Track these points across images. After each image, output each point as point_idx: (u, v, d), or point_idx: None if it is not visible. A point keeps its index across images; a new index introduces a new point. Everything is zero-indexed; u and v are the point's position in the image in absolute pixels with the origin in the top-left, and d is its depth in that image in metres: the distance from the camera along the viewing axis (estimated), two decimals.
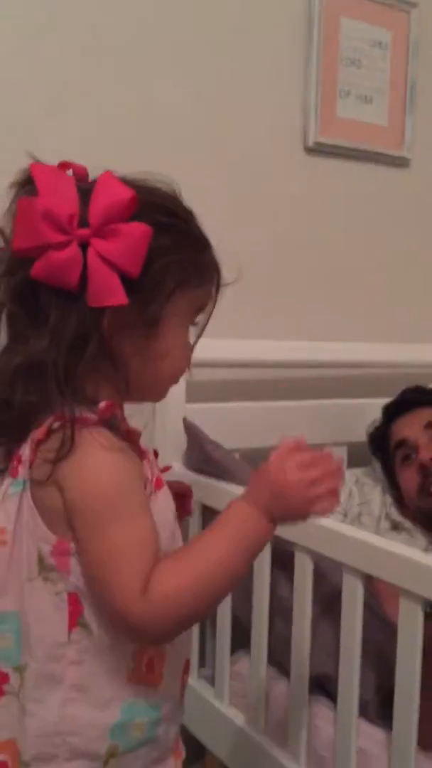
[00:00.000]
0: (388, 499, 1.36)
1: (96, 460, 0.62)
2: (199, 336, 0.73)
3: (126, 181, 0.66)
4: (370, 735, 0.94)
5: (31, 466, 0.63)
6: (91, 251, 0.61)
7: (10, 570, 0.65)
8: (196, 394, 1.29)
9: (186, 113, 1.35)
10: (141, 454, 0.66)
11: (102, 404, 0.63)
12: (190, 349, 0.72)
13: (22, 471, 0.64)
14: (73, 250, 0.61)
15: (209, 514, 1.16)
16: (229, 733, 1.09)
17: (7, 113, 1.19)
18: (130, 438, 0.65)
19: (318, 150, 1.49)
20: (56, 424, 0.61)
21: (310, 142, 1.48)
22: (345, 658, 0.89)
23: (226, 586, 0.64)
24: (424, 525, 1.29)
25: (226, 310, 1.43)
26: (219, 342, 1.29)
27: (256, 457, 1.30)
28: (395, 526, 1.33)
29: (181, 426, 1.23)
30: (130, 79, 1.29)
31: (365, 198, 1.56)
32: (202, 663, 1.22)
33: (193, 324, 0.72)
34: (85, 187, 0.64)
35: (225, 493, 1.10)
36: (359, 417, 1.43)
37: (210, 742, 1.15)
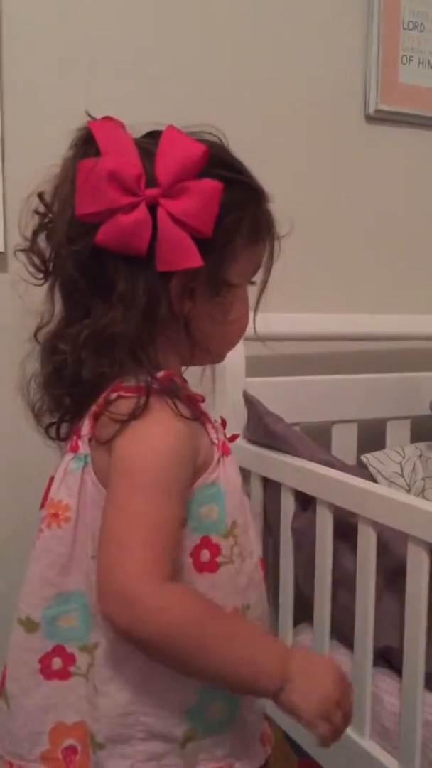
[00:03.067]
0: None
1: (159, 429, 0.60)
2: (261, 294, 0.71)
3: (206, 141, 0.64)
4: None
5: (90, 440, 0.63)
6: (161, 212, 0.59)
7: (75, 548, 0.64)
8: (255, 368, 1.28)
9: (244, 78, 1.33)
10: (204, 418, 0.66)
11: (161, 374, 0.62)
12: (248, 312, 0.70)
13: (83, 446, 0.64)
14: (143, 211, 0.59)
15: (270, 486, 1.16)
16: None
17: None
18: (192, 404, 0.64)
19: (379, 118, 1.45)
20: (129, 392, 0.61)
21: (371, 110, 1.44)
22: (410, 629, 0.88)
23: (199, 665, 0.59)
24: None
25: (286, 283, 1.42)
26: (279, 316, 1.29)
27: (317, 431, 1.30)
28: None
29: (241, 399, 1.22)
30: (185, 42, 1.28)
31: (429, 166, 1.52)
32: None
33: (251, 283, 0.70)
34: (145, 144, 0.62)
35: (285, 465, 1.10)
36: (422, 390, 1.40)
37: (272, 713, 1.16)
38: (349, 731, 0.97)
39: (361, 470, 1.30)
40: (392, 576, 0.97)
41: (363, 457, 1.36)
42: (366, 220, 1.47)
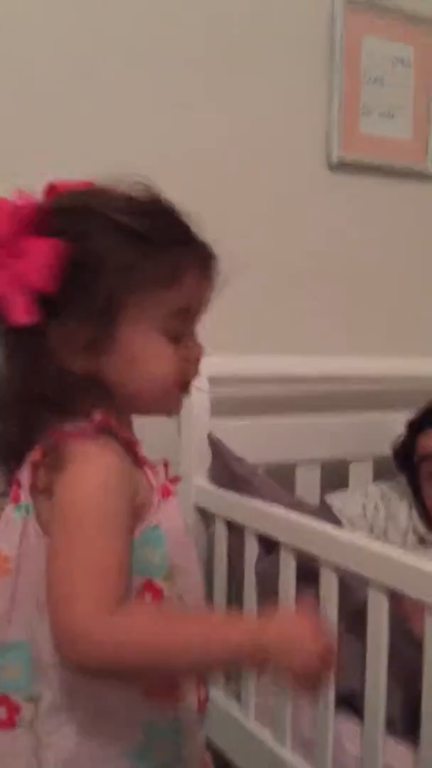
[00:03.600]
0: (415, 514, 1.35)
1: (93, 468, 0.61)
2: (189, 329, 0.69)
3: (79, 190, 0.66)
4: (397, 752, 0.94)
5: (31, 488, 0.64)
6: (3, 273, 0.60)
7: (16, 599, 0.64)
8: (221, 408, 1.30)
9: (209, 132, 1.37)
10: (139, 462, 0.66)
11: (97, 416, 0.63)
12: (174, 353, 0.66)
13: (24, 495, 0.64)
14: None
15: (234, 529, 1.16)
16: (255, 747, 1.09)
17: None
18: (127, 447, 0.65)
19: (341, 166, 1.50)
20: (50, 441, 0.62)
21: (334, 159, 1.49)
22: (371, 674, 0.89)
23: (173, 670, 0.62)
24: None
25: (250, 325, 1.45)
26: (243, 357, 1.32)
27: (280, 471, 1.32)
28: (422, 540, 1.33)
29: (206, 441, 1.24)
30: (153, 97, 1.32)
31: (388, 213, 1.57)
32: (227, 677, 1.22)
33: (179, 328, 0.67)
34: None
35: (249, 509, 1.11)
36: (384, 431, 1.42)
37: (236, 757, 1.15)
38: None
39: (326, 512, 1.31)
40: (355, 619, 0.98)
41: (326, 498, 1.38)
42: (327, 264, 1.50)
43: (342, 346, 1.48)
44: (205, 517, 1.24)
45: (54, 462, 0.61)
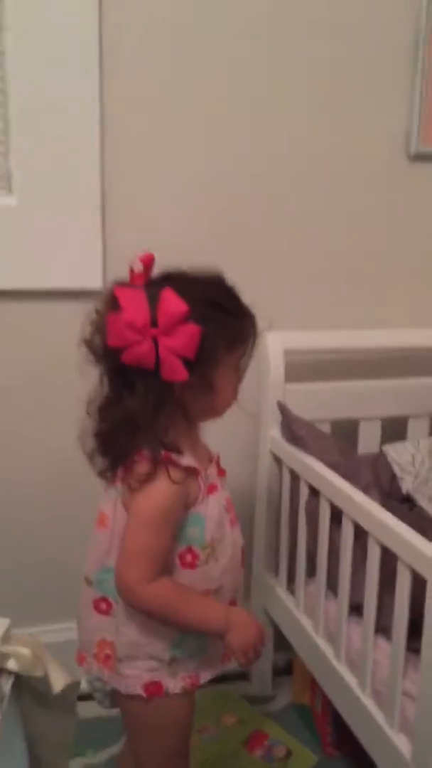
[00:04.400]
0: None
1: (158, 490, 0.98)
2: (245, 369, 1.07)
3: (181, 277, 0.97)
4: (386, 650, 1.29)
5: (122, 481, 1.03)
6: (161, 345, 0.93)
7: (112, 542, 1.05)
8: (297, 374, 1.63)
9: (298, 124, 1.61)
10: (194, 474, 1.02)
11: (163, 453, 0.98)
12: (237, 388, 1.06)
13: (119, 483, 1.04)
14: (148, 344, 0.93)
15: (295, 476, 1.52)
16: (299, 631, 1.50)
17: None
18: (184, 470, 1.00)
19: (420, 157, 1.68)
20: (145, 460, 0.98)
21: (412, 151, 1.67)
22: (368, 593, 1.24)
23: (175, 622, 1.05)
24: None
25: (333, 305, 1.73)
26: (316, 332, 1.63)
27: (345, 427, 1.64)
28: None
29: (278, 403, 1.58)
30: (246, 101, 1.57)
31: None
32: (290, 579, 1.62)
33: (239, 370, 1.05)
34: (153, 294, 0.93)
35: (300, 462, 1.45)
36: None
37: (288, 633, 1.57)
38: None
39: (382, 459, 1.62)
40: (362, 550, 1.32)
41: (383, 447, 1.68)
42: (401, 248, 1.72)
43: (404, 320, 1.73)
44: (278, 461, 1.60)
45: (135, 480, 0.99)
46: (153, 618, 1.04)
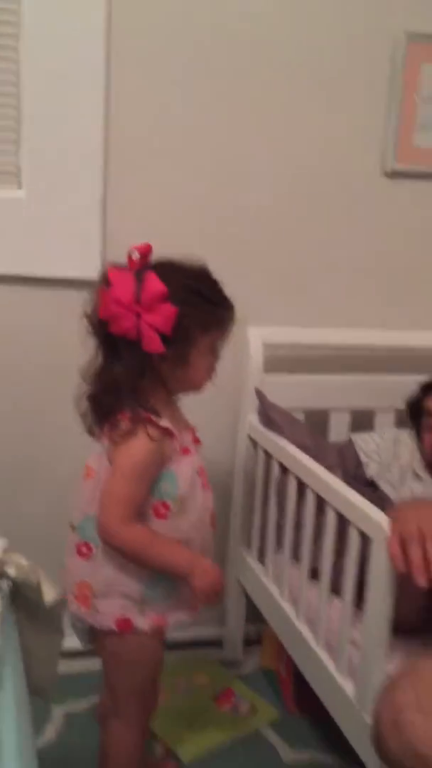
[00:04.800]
0: (417, 455, 1.78)
1: (138, 445, 1.15)
2: (218, 351, 1.23)
3: (167, 264, 1.13)
4: (337, 607, 1.44)
5: (108, 438, 1.18)
6: (142, 320, 1.10)
7: (95, 492, 1.20)
8: (275, 367, 1.79)
9: (284, 146, 1.78)
10: (170, 436, 1.18)
11: (144, 413, 1.15)
12: (212, 367, 1.22)
13: (105, 440, 1.20)
14: (132, 319, 1.10)
15: (268, 457, 1.68)
16: (267, 597, 1.66)
17: None
18: (161, 430, 1.16)
19: (395, 174, 1.85)
20: (127, 419, 1.15)
21: (389, 169, 1.84)
22: (325, 556, 1.40)
23: (145, 562, 1.19)
24: None
25: (311, 305, 1.88)
26: (299, 329, 1.79)
27: (317, 416, 1.80)
28: (417, 476, 1.76)
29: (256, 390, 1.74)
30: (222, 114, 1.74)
31: None
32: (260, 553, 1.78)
33: (215, 351, 1.21)
34: (140, 276, 1.10)
35: (274, 443, 1.62)
36: (406, 389, 1.84)
37: (256, 599, 1.72)
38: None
39: (350, 447, 1.78)
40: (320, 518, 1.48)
41: (352, 436, 1.84)
42: (378, 260, 1.89)
43: (376, 321, 1.89)
44: (254, 443, 1.76)
45: (118, 435, 1.15)
46: (126, 558, 1.18)
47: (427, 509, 1.12)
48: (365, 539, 1.25)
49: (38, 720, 1.55)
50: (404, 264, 1.93)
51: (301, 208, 1.83)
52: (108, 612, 1.22)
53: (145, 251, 1.15)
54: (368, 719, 1.16)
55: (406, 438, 1.83)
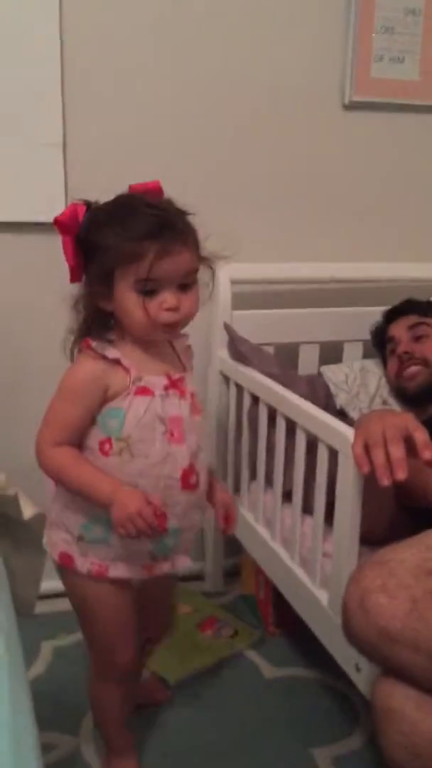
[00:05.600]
0: (384, 382, 1.83)
1: (76, 368, 1.11)
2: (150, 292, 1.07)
3: (117, 198, 1.10)
4: (309, 522, 1.50)
5: None
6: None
7: None
8: (244, 302, 1.81)
9: (241, 78, 1.78)
10: (124, 371, 1.11)
11: (94, 342, 1.11)
12: (142, 306, 1.06)
13: None
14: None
15: (240, 389, 1.71)
16: (247, 526, 1.71)
17: None
18: (111, 361, 1.10)
19: (354, 106, 1.87)
20: (82, 345, 1.12)
21: (347, 101, 1.86)
22: (296, 478, 1.44)
23: (69, 486, 1.13)
24: (401, 402, 1.76)
25: (267, 238, 1.91)
26: (260, 264, 1.81)
27: (287, 350, 1.83)
28: (385, 402, 1.82)
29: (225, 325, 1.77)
30: (197, 49, 1.75)
31: (396, 143, 1.93)
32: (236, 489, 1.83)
33: (139, 288, 1.06)
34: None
35: (244, 375, 1.65)
36: (373, 320, 1.88)
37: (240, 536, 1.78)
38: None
39: (319, 378, 1.83)
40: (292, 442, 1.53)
41: (321, 369, 1.88)
42: (339, 190, 1.91)
43: (341, 255, 1.92)
44: (225, 379, 1.80)
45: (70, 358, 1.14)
46: (53, 480, 1.14)
47: (389, 416, 1.16)
48: (334, 454, 1.29)
49: (28, 654, 1.59)
50: (366, 196, 1.95)
51: (261, 143, 1.84)
52: (54, 543, 1.19)
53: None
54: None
55: (374, 367, 1.88)
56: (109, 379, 1.11)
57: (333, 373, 1.86)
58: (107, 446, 1.12)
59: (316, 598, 1.38)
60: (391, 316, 1.80)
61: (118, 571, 1.18)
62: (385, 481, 1.09)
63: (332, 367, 1.88)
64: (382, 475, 1.09)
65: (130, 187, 1.14)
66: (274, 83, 1.81)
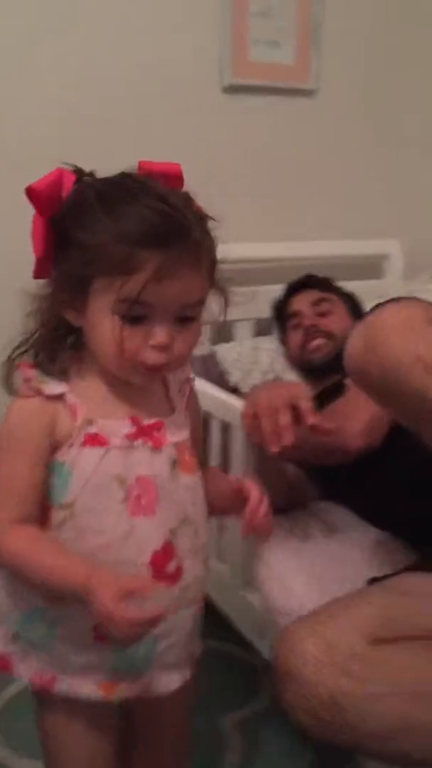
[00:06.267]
0: (276, 360, 1.88)
1: (14, 407, 0.80)
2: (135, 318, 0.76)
3: (120, 176, 0.80)
4: None
5: None
6: None
7: None
8: None
9: (124, 63, 1.77)
10: (71, 410, 0.80)
11: (30, 374, 0.80)
12: (116, 334, 0.75)
13: None
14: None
15: None
16: None
17: None
18: (42, 396, 0.79)
19: (233, 89, 1.90)
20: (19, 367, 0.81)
21: (226, 84, 1.89)
22: None
23: (29, 579, 0.79)
24: (304, 375, 1.81)
25: None
26: None
27: None
28: (277, 378, 1.87)
29: None
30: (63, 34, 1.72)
31: (275, 125, 1.98)
32: None
33: (129, 314, 0.74)
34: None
35: None
36: (264, 299, 1.93)
37: None
38: None
39: (212, 357, 1.86)
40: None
41: (213, 347, 1.91)
42: (218, 171, 1.93)
43: (228, 236, 1.95)
44: None
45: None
46: (11, 573, 0.82)
47: (277, 387, 1.20)
48: (227, 428, 1.33)
49: None
50: (244, 177, 1.98)
51: (144, 125, 1.84)
52: None
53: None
54: (243, 595, 1.25)
55: (266, 344, 1.93)
56: (55, 422, 0.80)
57: (225, 352, 1.90)
58: (47, 516, 0.81)
59: (219, 572, 1.41)
60: (293, 290, 1.85)
61: (76, 686, 0.85)
62: (274, 448, 1.12)
63: (225, 345, 1.92)
64: (272, 443, 1.13)
65: (140, 164, 0.84)
66: (153, 66, 1.81)
